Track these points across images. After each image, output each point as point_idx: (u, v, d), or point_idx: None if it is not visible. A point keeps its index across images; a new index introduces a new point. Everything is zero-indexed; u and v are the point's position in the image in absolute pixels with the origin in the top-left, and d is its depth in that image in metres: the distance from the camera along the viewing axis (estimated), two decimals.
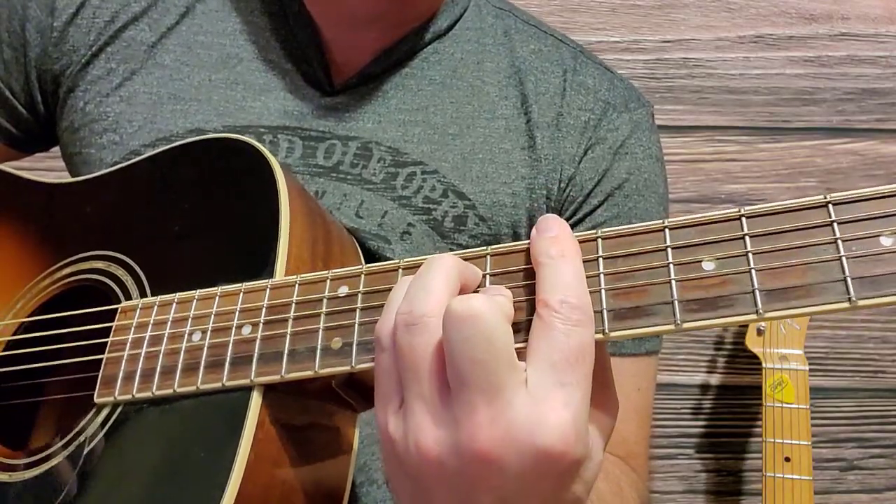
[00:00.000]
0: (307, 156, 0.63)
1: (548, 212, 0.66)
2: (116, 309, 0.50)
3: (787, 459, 0.90)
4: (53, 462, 0.48)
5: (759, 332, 0.96)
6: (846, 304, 0.32)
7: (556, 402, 0.33)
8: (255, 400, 0.41)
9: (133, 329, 0.48)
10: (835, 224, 0.34)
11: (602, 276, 0.37)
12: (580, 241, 0.38)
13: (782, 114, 1.05)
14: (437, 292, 0.36)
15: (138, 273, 0.52)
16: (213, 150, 0.54)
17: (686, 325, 0.34)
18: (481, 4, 0.71)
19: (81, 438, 0.47)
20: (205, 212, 0.52)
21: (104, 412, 0.47)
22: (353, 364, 0.40)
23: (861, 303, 0.32)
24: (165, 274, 0.51)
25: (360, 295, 0.41)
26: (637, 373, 0.67)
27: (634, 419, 0.67)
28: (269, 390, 0.42)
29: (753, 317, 0.34)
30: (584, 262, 0.37)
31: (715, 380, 1.07)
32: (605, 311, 0.36)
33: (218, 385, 0.43)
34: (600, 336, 0.35)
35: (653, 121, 0.71)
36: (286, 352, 0.41)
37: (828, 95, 1.05)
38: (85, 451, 0.46)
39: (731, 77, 1.05)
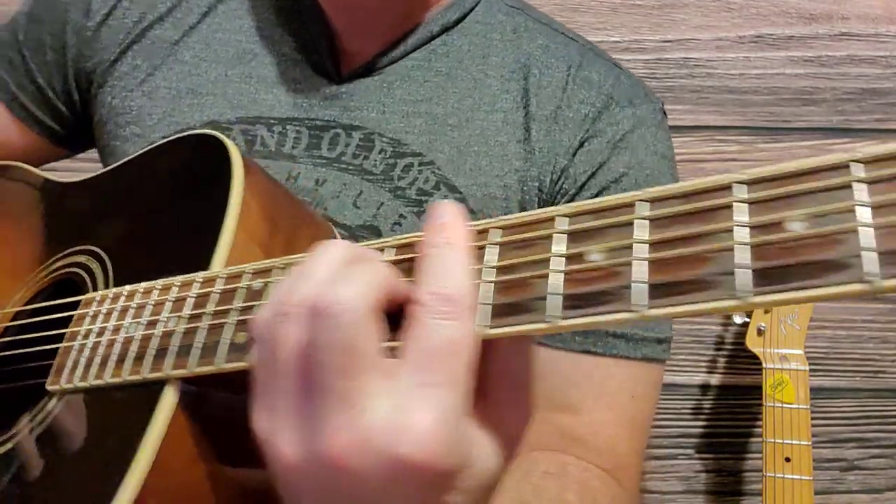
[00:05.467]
0: (312, 146, 0.65)
1: (540, 204, 0.65)
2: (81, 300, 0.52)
3: (788, 460, 0.90)
4: (6, 447, 0.49)
5: (760, 332, 0.96)
6: (735, 302, 0.27)
7: (417, 405, 0.30)
8: (169, 394, 0.41)
9: (87, 319, 0.49)
10: (734, 205, 0.29)
11: (487, 268, 0.33)
12: (477, 231, 0.34)
13: (782, 114, 1.05)
14: (314, 280, 0.33)
15: (108, 266, 0.54)
16: (186, 146, 0.56)
17: (563, 324, 0.30)
18: (493, 1, 0.71)
19: (32, 425, 0.49)
20: (168, 205, 0.54)
21: (54, 400, 0.48)
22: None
23: (754, 299, 0.27)
24: (128, 267, 0.52)
25: (270, 287, 0.40)
26: (631, 378, 0.64)
27: (626, 428, 0.63)
28: (191, 384, 0.42)
29: (631, 315, 0.29)
30: (477, 251, 0.34)
31: (715, 380, 1.07)
32: (486, 306, 0.32)
33: (139, 377, 0.42)
34: (479, 332, 0.32)
35: (662, 118, 0.69)
36: (199, 346, 0.41)
37: (828, 95, 1.05)
38: (33, 438, 0.48)
39: (732, 77, 1.05)
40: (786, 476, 0.89)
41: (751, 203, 0.29)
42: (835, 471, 1.06)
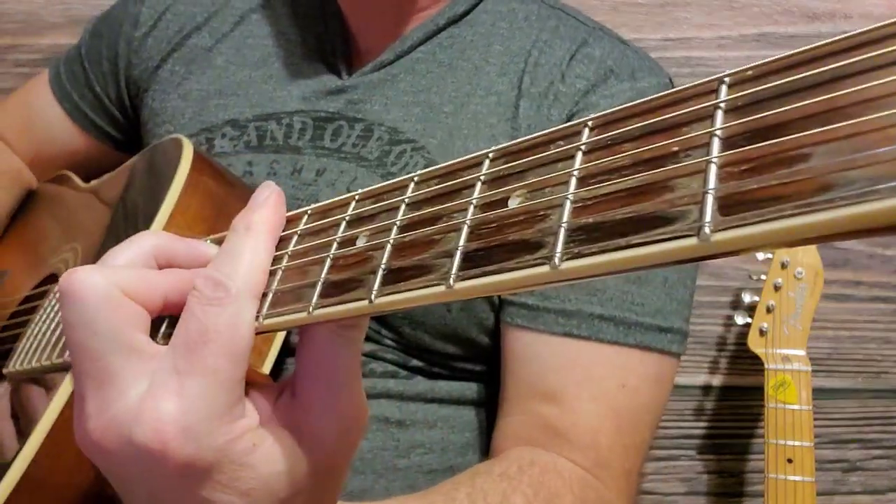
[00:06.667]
0: (316, 137, 0.68)
1: None
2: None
3: (790, 461, 0.89)
4: None
5: (762, 333, 0.95)
6: (442, 289, 0.24)
7: (165, 391, 0.29)
8: (68, 380, 0.42)
9: (41, 309, 0.52)
10: (477, 183, 0.26)
11: (287, 255, 0.32)
12: (292, 218, 0.33)
13: None
14: (107, 264, 0.32)
15: (78, 260, 0.58)
16: (156, 150, 0.58)
17: (317, 314, 0.28)
18: None
19: None
20: (128, 205, 0.57)
21: (5, 382, 0.52)
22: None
23: (456, 286, 0.24)
24: (88, 261, 0.55)
25: None
26: (622, 367, 0.60)
27: (612, 421, 0.59)
28: None
29: (365, 304, 0.26)
30: (285, 239, 0.33)
31: (717, 381, 1.06)
32: (269, 295, 0.31)
33: (49, 364, 0.43)
34: (254, 323, 0.30)
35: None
36: None
37: None
38: None
39: None
40: (788, 477, 0.89)
41: (488, 179, 0.26)
42: (837, 472, 1.06)
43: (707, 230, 0.18)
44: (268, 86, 0.72)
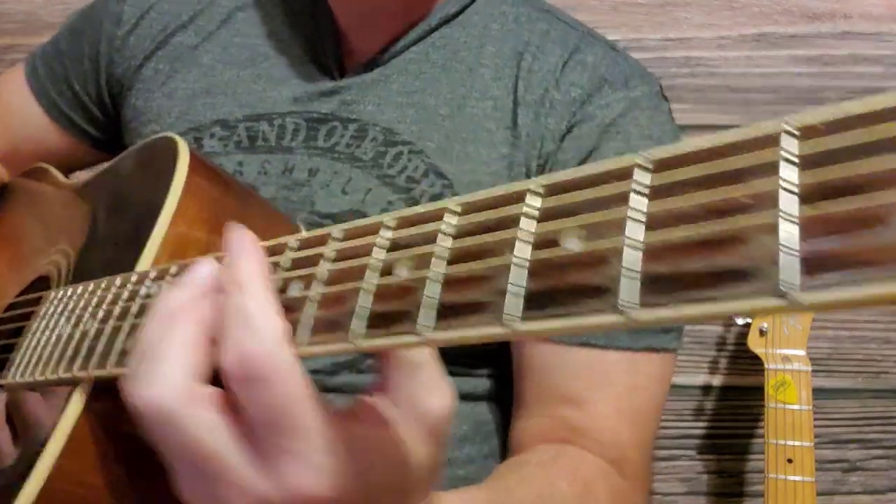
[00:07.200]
0: (309, 138, 0.67)
1: None
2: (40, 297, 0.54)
3: (790, 461, 0.89)
4: None
5: (762, 333, 0.95)
6: (502, 329, 0.23)
7: (294, 476, 0.29)
8: (76, 397, 0.40)
9: (39, 316, 0.50)
10: (525, 218, 0.25)
11: (316, 281, 0.31)
12: (318, 240, 0.32)
13: (785, 113, 1.03)
14: (129, 372, 0.32)
15: (70, 265, 0.56)
16: (148, 149, 0.57)
17: (364, 345, 0.28)
18: None
19: None
20: (121, 207, 0.56)
21: (3, 394, 0.51)
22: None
23: (519, 327, 0.23)
24: (83, 266, 0.54)
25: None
26: (632, 369, 0.63)
27: (628, 420, 0.62)
28: (104, 389, 0.40)
29: (415, 338, 0.26)
30: (312, 262, 0.32)
31: (717, 381, 1.06)
32: (307, 324, 0.30)
33: (55, 377, 0.42)
34: (294, 356, 0.29)
35: (659, 100, 0.68)
36: (100, 349, 0.40)
37: (831, 94, 1.04)
38: None
39: (734, 76, 1.04)
40: (788, 477, 0.89)
41: (537, 215, 0.25)
42: (837, 472, 1.06)
43: (793, 291, 0.18)
44: (257, 86, 0.71)
